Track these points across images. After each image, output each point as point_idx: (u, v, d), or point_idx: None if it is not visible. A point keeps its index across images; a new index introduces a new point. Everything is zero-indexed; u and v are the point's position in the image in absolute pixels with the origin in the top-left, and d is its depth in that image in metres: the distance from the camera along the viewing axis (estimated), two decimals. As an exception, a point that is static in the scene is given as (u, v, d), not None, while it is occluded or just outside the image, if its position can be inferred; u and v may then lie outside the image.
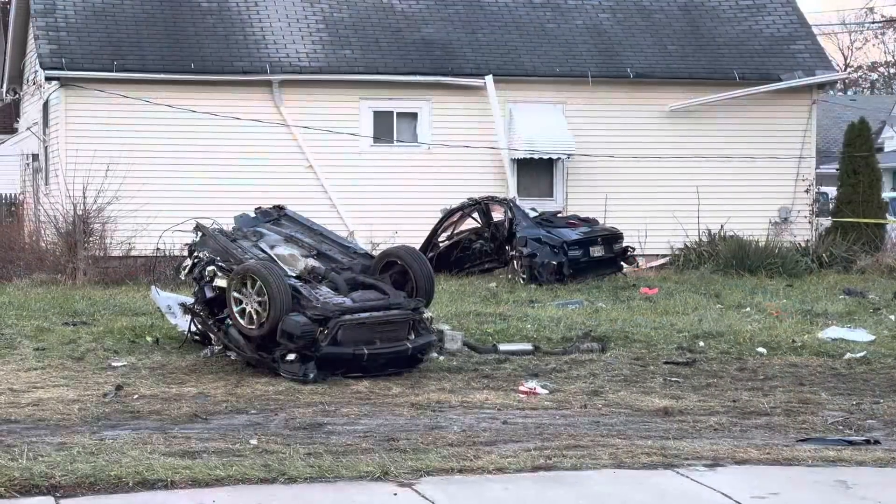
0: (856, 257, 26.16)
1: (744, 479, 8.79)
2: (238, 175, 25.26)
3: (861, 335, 15.89)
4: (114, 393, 11.99)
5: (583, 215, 24.21)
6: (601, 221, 24.25)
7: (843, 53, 74.10)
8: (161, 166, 24.89)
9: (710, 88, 27.33)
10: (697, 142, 27.26)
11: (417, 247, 20.56)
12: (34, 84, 28.09)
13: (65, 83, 25.09)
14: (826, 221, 28.66)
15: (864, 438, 10.22)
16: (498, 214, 23.69)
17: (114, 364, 13.57)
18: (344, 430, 10.40)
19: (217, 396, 11.92)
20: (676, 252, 26.61)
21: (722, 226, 26.64)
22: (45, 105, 27.12)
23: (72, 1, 26.10)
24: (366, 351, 12.84)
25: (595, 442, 9.88)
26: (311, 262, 13.82)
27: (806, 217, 27.70)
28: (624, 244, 23.33)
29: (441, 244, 24.05)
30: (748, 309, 18.69)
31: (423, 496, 8.23)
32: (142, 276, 21.94)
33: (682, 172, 27.03)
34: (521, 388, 12.44)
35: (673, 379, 13.16)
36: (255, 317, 12.87)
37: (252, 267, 13.02)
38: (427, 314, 13.56)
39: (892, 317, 17.92)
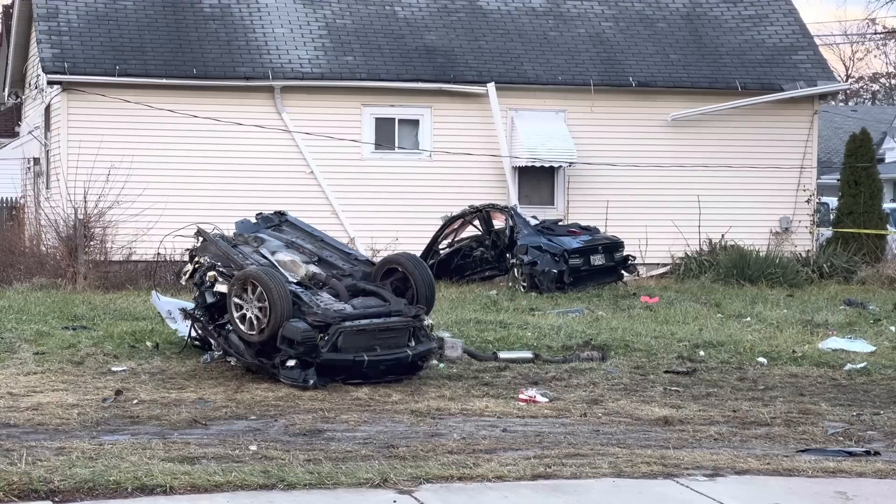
0: (856, 268, 26.16)
1: (744, 489, 8.77)
2: (239, 180, 25.27)
3: (861, 346, 15.88)
4: (113, 398, 11.98)
5: (584, 223, 24.22)
6: (602, 230, 24.27)
7: (844, 64, 74.20)
8: (162, 171, 24.89)
9: (711, 98, 27.34)
10: (699, 151, 27.26)
11: (418, 254, 20.58)
12: (36, 88, 28.10)
13: (67, 87, 25.11)
14: (827, 232, 28.66)
15: (864, 450, 10.20)
16: (499, 222, 23.70)
17: (113, 369, 13.56)
18: (343, 437, 10.40)
19: (217, 402, 11.91)
20: (677, 261, 26.61)
21: (723, 235, 26.66)
22: (47, 109, 27.13)
23: (74, 5, 26.13)
24: (366, 357, 12.83)
25: (594, 451, 9.86)
26: (312, 268, 13.82)
27: (807, 227, 27.69)
28: (625, 253, 23.34)
29: (442, 251, 24.06)
30: (748, 319, 18.68)
31: (422, 503, 8.24)
32: (142, 280, 21.93)
33: (683, 181, 27.03)
34: (521, 396, 12.43)
35: (673, 388, 13.15)
36: (255, 322, 12.86)
37: (253, 273, 13.01)
38: (427, 321, 13.55)
39: (893, 328, 17.90)
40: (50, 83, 25.43)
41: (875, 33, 65.06)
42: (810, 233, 27.74)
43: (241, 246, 14.08)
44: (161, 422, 10.95)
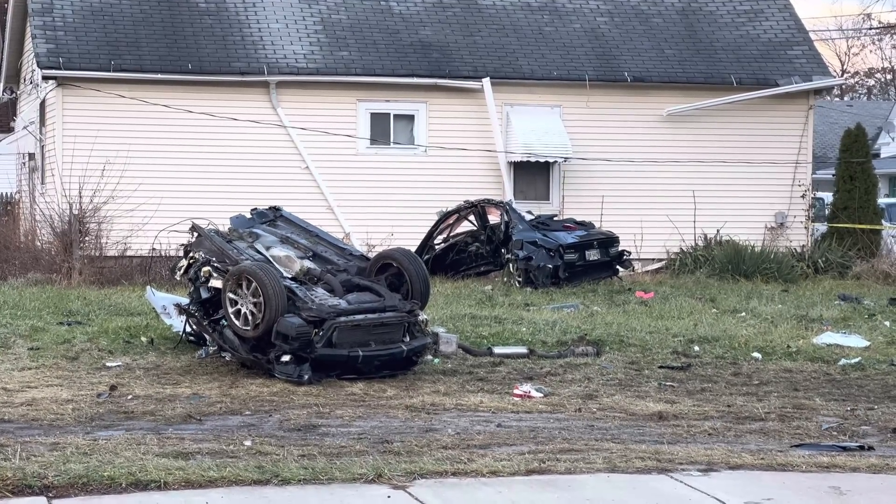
0: (851, 263, 26.17)
1: (738, 484, 8.78)
2: (234, 176, 25.26)
3: (856, 341, 15.89)
4: (108, 393, 11.98)
5: (579, 219, 24.22)
6: (597, 225, 24.25)
7: (840, 59, 74.16)
8: (157, 167, 24.87)
9: (707, 93, 27.34)
10: (694, 146, 27.27)
11: (413, 249, 20.58)
12: (31, 83, 28.07)
13: (62, 82, 25.09)
14: (822, 227, 28.68)
15: (858, 444, 10.21)
16: (494, 217, 23.69)
17: (108, 364, 13.56)
18: (338, 432, 10.40)
19: (211, 397, 11.92)
20: (672, 256, 26.62)
21: (718, 230, 26.67)
22: (42, 104, 27.11)
23: (69, 0, 26.09)
24: (361, 353, 12.84)
25: (589, 446, 9.87)
26: (307, 263, 13.82)
27: (802, 222, 27.71)
28: (620, 248, 23.33)
29: (437, 247, 24.04)
30: (743, 314, 18.69)
31: (416, 499, 8.23)
32: (137, 276, 21.92)
33: (678, 177, 27.04)
34: (516, 391, 12.44)
35: (667, 383, 13.16)
36: (250, 318, 12.86)
37: (247, 268, 13.01)
38: (422, 316, 13.55)
39: (887, 323, 17.92)
40: (45, 78, 25.42)
41: (870, 28, 65.09)
42: (805, 228, 27.75)
43: (236, 241, 14.08)
44: (155, 417, 10.95)
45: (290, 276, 13.46)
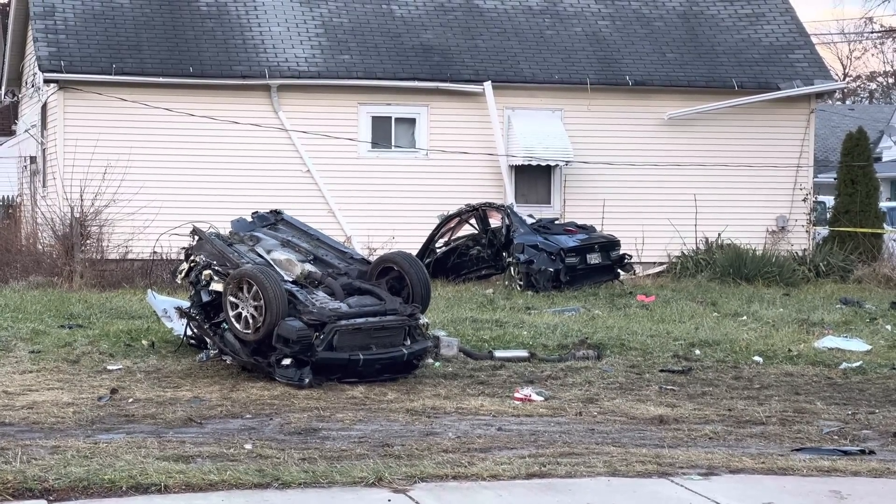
0: (853, 267, 26.16)
1: (738, 488, 8.78)
2: (235, 179, 25.27)
3: (857, 345, 15.89)
4: (109, 396, 11.99)
5: (580, 222, 24.21)
6: (598, 229, 24.25)
7: (841, 63, 74.18)
8: (159, 170, 24.88)
9: (708, 97, 27.34)
10: (695, 150, 27.26)
11: (414, 252, 20.58)
12: (33, 86, 28.09)
13: (63, 86, 25.10)
14: (823, 231, 28.67)
15: (859, 449, 10.21)
16: (495, 221, 23.70)
17: (109, 367, 13.57)
18: (339, 436, 10.40)
19: (212, 401, 11.92)
20: (673, 260, 26.61)
21: (719, 234, 26.66)
22: (44, 107, 27.12)
23: (70, 4, 26.11)
24: (361, 356, 12.84)
25: (589, 450, 9.87)
26: (308, 267, 13.83)
27: (803, 226, 27.70)
28: (621, 252, 23.34)
29: (438, 250, 24.05)
30: (744, 317, 18.69)
31: (417, 502, 8.23)
32: (138, 279, 21.93)
33: (679, 180, 27.03)
34: (517, 394, 12.44)
35: (668, 387, 13.16)
36: (251, 321, 12.87)
37: (248, 271, 13.01)
38: (423, 320, 13.56)
39: (889, 327, 17.92)
40: (46, 82, 25.43)
41: (872, 32, 65.10)
42: (807, 231, 27.74)
43: (237, 244, 14.09)
44: (156, 420, 10.96)
45: (290, 279, 13.47)
